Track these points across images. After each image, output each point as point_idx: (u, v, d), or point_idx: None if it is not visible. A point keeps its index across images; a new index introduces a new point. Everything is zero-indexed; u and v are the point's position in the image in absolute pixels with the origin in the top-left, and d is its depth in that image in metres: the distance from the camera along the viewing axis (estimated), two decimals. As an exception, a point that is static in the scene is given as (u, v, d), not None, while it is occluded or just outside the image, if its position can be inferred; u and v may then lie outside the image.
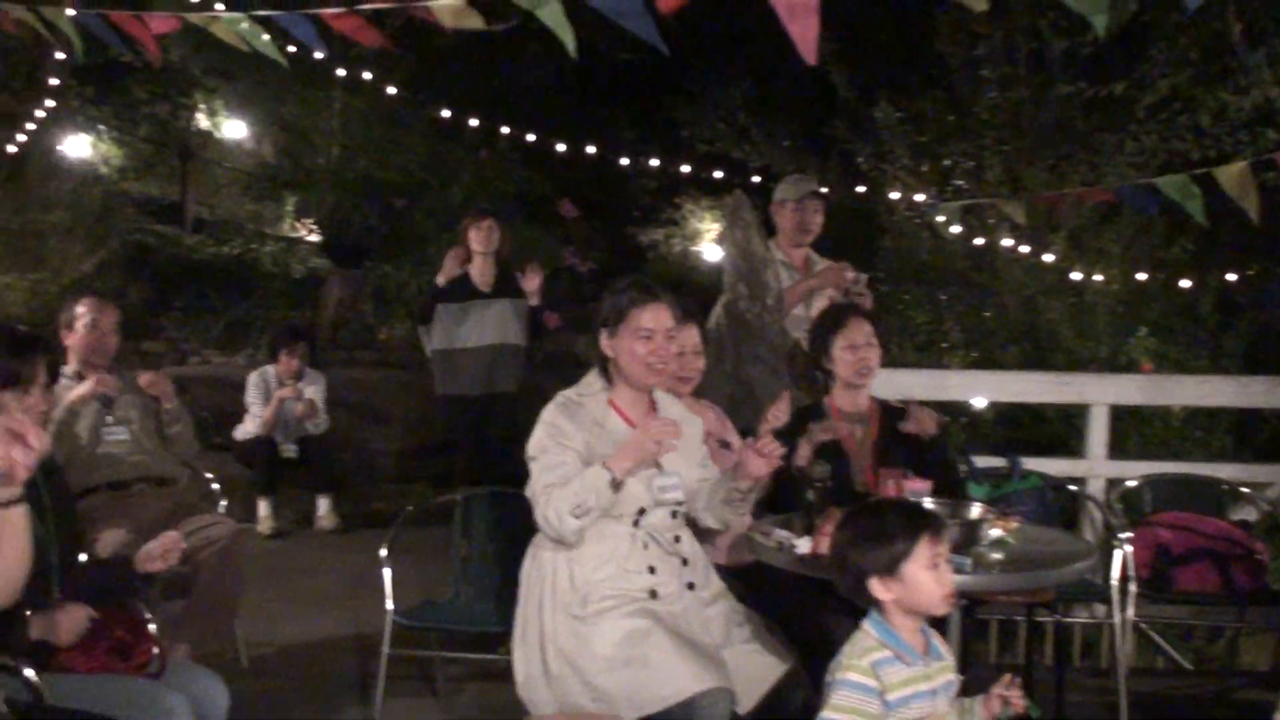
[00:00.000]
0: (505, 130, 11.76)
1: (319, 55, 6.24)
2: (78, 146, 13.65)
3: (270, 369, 8.39)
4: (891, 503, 3.42)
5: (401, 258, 13.63)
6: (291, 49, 5.37)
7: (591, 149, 11.58)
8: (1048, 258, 8.13)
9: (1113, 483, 5.91)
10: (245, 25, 4.93)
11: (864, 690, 2.89)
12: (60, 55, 10.58)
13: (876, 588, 2.96)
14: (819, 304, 5.52)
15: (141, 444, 5.29)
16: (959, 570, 3.34)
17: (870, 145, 9.59)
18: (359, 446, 10.00)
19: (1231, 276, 8.17)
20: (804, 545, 3.70)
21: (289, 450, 8.28)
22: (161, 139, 15.24)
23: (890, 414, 4.63)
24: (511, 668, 3.84)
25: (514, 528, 3.93)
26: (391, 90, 12.01)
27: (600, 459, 3.70)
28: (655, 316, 3.81)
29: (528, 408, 3.97)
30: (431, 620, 4.80)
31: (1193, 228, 7.12)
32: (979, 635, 5.69)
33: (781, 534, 3.84)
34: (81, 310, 5.26)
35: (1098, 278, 8.17)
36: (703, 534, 4.09)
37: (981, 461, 5.52)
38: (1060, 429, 7.44)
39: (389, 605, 4.69)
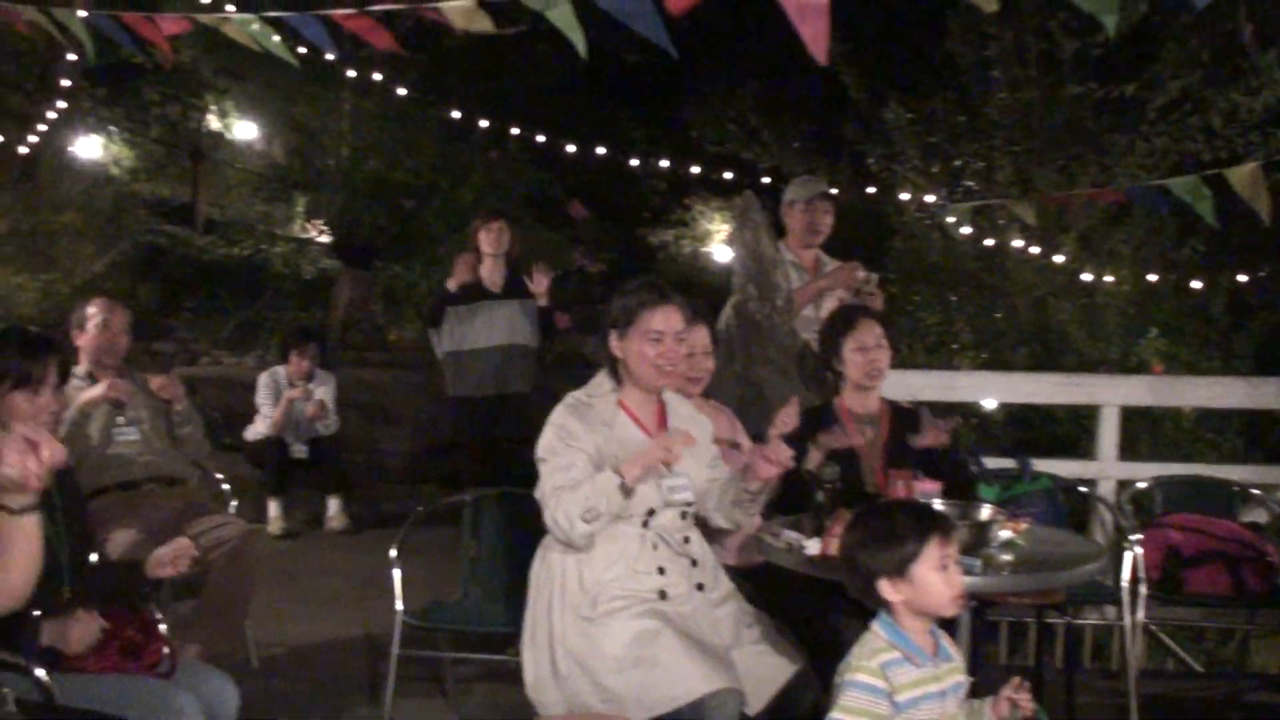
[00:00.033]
0: (515, 131, 11.79)
1: (330, 56, 6.25)
2: (89, 148, 13.68)
3: (281, 370, 8.40)
4: (901, 504, 3.41)
5: (412, 259, 13.66)
6: (302, 50, 5.38)
7: (601, 150, 11.60)
8: (1058, 259, 8.13)
9: (1123, 484, 5.90)
10: (256, 26, 4.94)
11: (873, 691, 2.89)
12: (72, 57, 10.65)
13: (886, 589, 2.96)
14: (829, 305, 5.51)
15: (152, 444, 5.30)
16: (969, 572, 3.34)
17: (880, 146, 9.59)
18: (369, 447, 10.02)
19: (1243, 278, 8.16)
20: (813, 546, 3.70)
21: (299, 451, 8.30)
22: (172, 140, 15.27)
23: (901, 415, 4.62)
24: (521, 668, 3.84)
25: (523, 528, 3.93)
26: (402, 91, 12.04)
27: (610, 460, 3.71)
28: (666, 319, 3.81)
29: (539, 408, 3.97)
30: (441, 621, 4.80)
31: (1204, 229, 7.10)
32: (989, 637, 5.68)
33: (791, 535, 3.84)
34: (92, 311, 5.28)
35: (1108, 279, 8.16)
36: (712, 535, 4.09)
37: (991, 463, 5.51)
38: (1071, 430, 7.44)
39: (398, 606, 4.69)
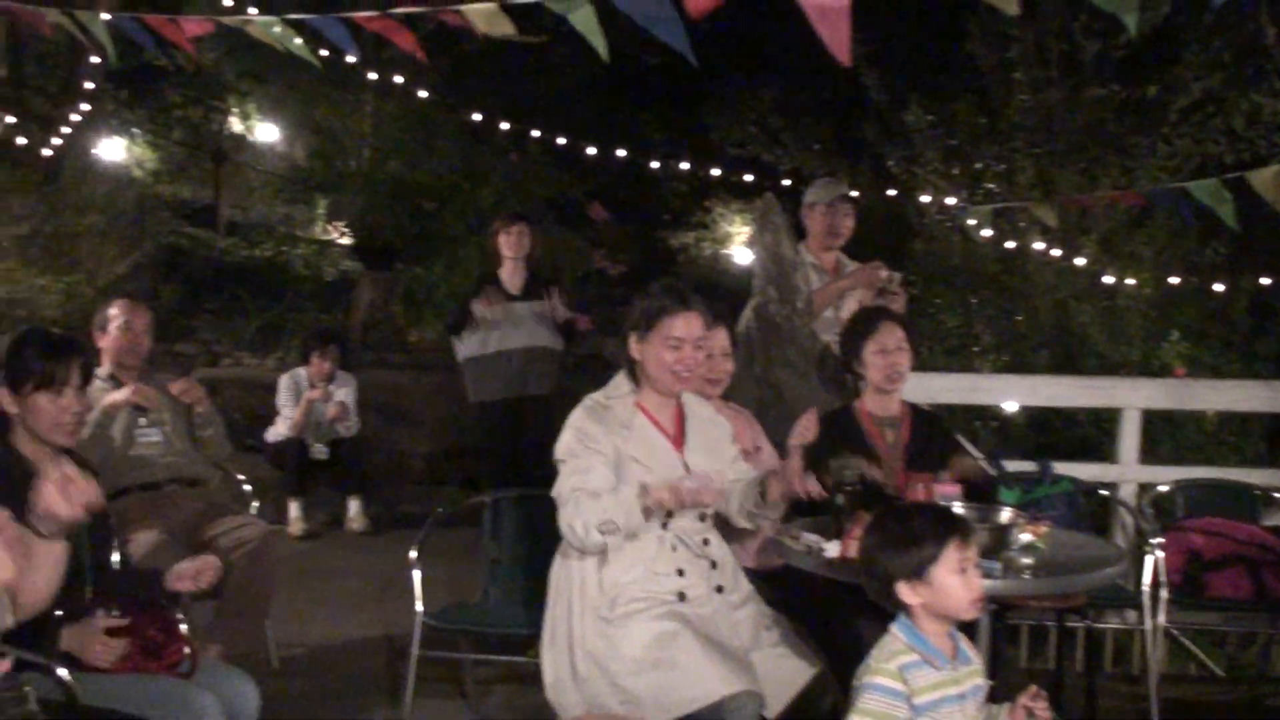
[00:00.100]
0: (536, 133, 11.77)
1: (351, 59, 6.27)
2: (112, 150, 13.74)
3: (302, 371, 8.42)
4: (920, 507, 3.41)
5: (432, 260, 13.66)
6: (324, 53, 5.39)
7: (622, 152, 11.58)
8: (1079, 261, 8.10)
9: (1144, 487, 5.88)
10: (278, 29, 4.96)
11: (892, 694, 2.89)
12: (95, 60, 10.70)
13: (904, 592, 2.95)
14: (849, 307, 5.49)
15: (174, 446, 5.33)
16: (988, 575, 3.34)
17: (901, 148, 9.57)
18: (389, 448, 10.04)
19: (1265, 280, 8.11)
20: (832, 549, 3.70)
21: (320, 452, 8.31)
22: (195, 142, 15.34)
23: (922, 418, 4.62)
24: (540, 670, 3.85)
25: (543, 530, 3.93)
26: (423, 94, 12.04)
27: (628, 460, 3.72)
28: (686, 325, 3.81)
29: (560, 412, 3.98)
30: (461, 622, 4.81)
31: (1226, 231, 7.08)
32: (1010, 640, 5.67)
33: (810, 538, 3.84)
34: (115, 312, 5.31)
35: (1130, 281, 8.13)
36: (731, 537, 4.09)
37: (1012, 466, 5.49)
38: (1092, 433, 7.41)
39: (418, 607, 4.71)
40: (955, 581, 2.92)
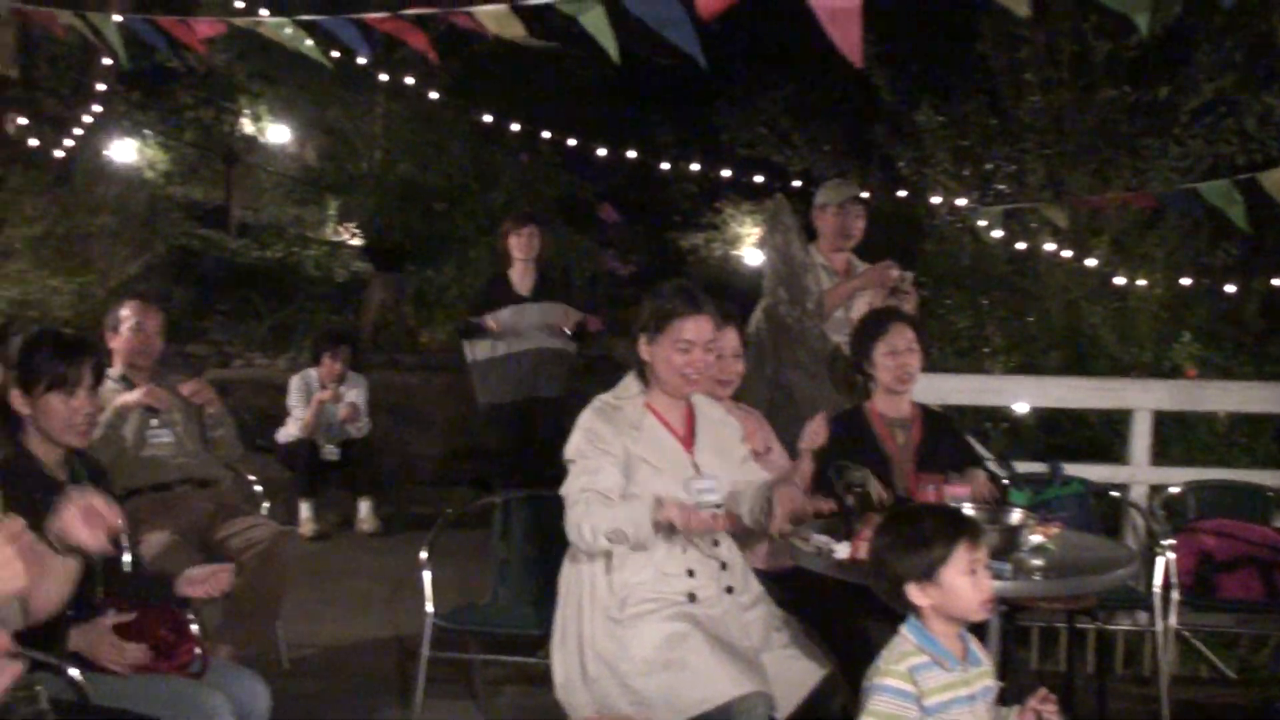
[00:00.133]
0: (546, 134, 11.78)
1: (362, 60, 6.28)
2: (124, 151, 13.76)
3: (313, 372, 8.44)
4: (930, 508, 3.41)
5: (443, 261, 13.67)
6: (335, 54, 5.40)
7: (632, 153, 11.60)
8: (1090, 262, 8.07)
9: (1155, 489, 5.87)
10: (290, 30, 4.97)
11: (902, 695, 2.89)
12: (107, 61, 10.74)
13: (914, 593, 2.95)
14: (860, 307, 5.49)
15: (185, 446, 5.34)
16: (999, 576, 3.33)
17: (912, 149, 9.55)
18: (400, 449, 10.05)
19: (1277, 282, 8.08)
20: (842, 550, 3.70)
21: (330, 453, 8.33)
22: (206, 144, 15.36)
23: (932, 419, 4.61)
24: (550, 671, 3.86)
25: (553, 531, 3.93)
26: (433, 95, 12.06)
27: (638, 460, 3.72)
28: (697, 328, 3.81)
29: (571, 413, 3.98)
30: (471, 623, 4.82)
31: (1237, 232, 7.06)
32: (1020, 642, 5.66)
33: (820, 539, 3.84)
34: (126, 313, 5.32)
35: (1141, 282, 8.10)
36: (742, 538, 4.09)
37: (1023, 467, 5.48)
38: (1102, 435, 7.39)
39: (429, 607, 4.72)
40: (965, 583, 2.92)
